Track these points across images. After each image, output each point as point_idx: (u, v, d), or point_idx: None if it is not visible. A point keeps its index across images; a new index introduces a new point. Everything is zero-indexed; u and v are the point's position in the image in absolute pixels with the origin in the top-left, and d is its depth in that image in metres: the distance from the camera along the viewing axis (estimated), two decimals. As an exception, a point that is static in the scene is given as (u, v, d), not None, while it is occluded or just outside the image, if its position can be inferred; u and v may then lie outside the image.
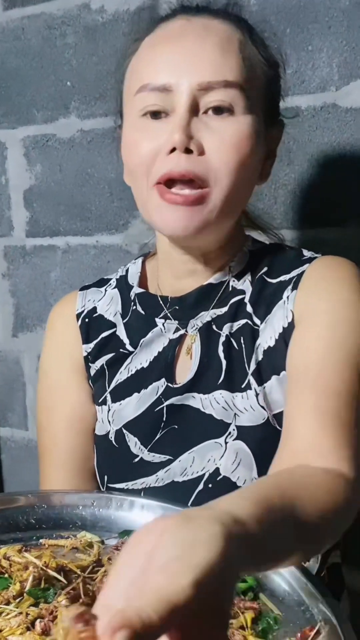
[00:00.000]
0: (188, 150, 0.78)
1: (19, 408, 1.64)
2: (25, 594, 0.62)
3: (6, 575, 0.68)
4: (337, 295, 0.82)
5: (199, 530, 0.42)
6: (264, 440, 0.84)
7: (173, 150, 0.78)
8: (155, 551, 0.40)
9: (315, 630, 0.58)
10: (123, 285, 0.99)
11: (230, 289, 0.90)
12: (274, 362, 0.85)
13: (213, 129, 0.79)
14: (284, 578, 0.66)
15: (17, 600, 0.62)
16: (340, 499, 0.64)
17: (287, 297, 0.86)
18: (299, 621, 0.62)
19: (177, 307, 0.91)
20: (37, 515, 0.79)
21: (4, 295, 1.60)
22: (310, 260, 0.89)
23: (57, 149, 1.47)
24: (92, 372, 0.97)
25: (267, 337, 0.86)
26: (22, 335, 1.60)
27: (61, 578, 0.65)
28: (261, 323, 0.87)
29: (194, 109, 0.79)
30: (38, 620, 0.58)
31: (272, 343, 0.86)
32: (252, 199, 0.92)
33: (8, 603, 0.61)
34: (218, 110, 0.79)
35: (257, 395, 0.85)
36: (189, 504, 0.85)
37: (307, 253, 0.92)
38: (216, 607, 0.40)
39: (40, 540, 0.75)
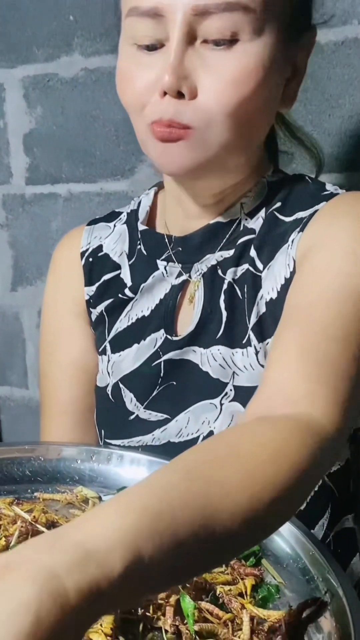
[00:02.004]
0: (180, 94, 0.69)
1: (19, 366, 1.58)
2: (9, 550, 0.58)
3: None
4: (351, 229, 0.71)
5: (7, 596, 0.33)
6: None
7: (165, 93, 0.69)
8: None
9: (319, 602, 0.54)
10: (132, 220, 0.90)
11: (241, 227, 0.80)
12: (277, 315, 0.73)
13: (210, 65, 0.68)
14: (288, 543, 0.62)
15: None
16: (299, 457, 0.52)
17: (292, 241, 0.75)
18: (302, 591, 0.58)
19: (180, 249, 0.83)
20: (33, 468, 0.76)
21: (2, 247, 1.53)
22: (331, 196, 0.78)
23: (59, 90, 1.39)
24: (93, 317, 0.91)
25: (268, 288, 0.77)
26: (21, 290, 1.54)
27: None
28: (263, 269, 0.78)
29: (188, 40, 0.68)
30: None
31: (274, 295, 0.76)
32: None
33: None
34: (219, 42, 0.67)
35: (257, 352, 0.77)
36: None
37: (329, 187, 0.81)
38: None
39: (35, 494, 0.72)
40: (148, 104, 0.71)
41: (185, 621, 0.51)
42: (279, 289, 0.76)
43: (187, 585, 0.54)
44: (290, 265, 0.75)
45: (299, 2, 0.73)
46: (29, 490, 0.73)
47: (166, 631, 0.51)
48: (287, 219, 0.78)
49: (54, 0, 1.35)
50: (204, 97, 0.69)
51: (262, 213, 0.80)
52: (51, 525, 0.62)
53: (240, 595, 0.57)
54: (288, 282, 0.74)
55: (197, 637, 0.51)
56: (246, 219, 0.81)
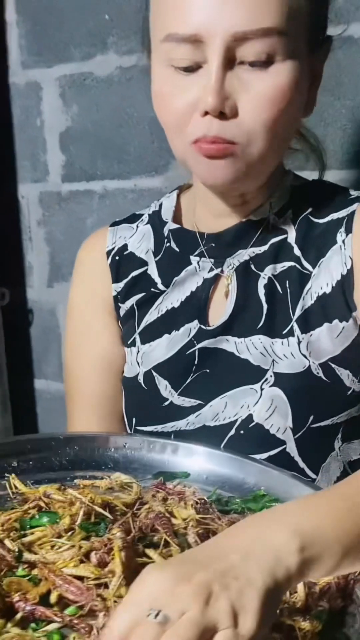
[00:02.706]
0: (222, 114, 0.73)
1: (55, 359, 1.61)
2: (77, 528, 0.61)
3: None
4: None
5: None
6: (302, 389, 0.81)
7: (207, 112, 0.73)
8: None
9: None
10: (156, 220, 0.94)
11: (270, 226, 0.86)
12: (328, 309, 0.81)
13: (248, 86, 0.72)
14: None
15: (69, 534, 0.61)
16: None
17: (343, 242, 0.82)
18: None
19: (213, 245, 0.87)
20: (70, 457, 0.79)
21: (39, 244, 1.56)
22: (358, 199, 0.84)
23: (95, 88, 1.41)
24: (122, 312, 0.93)
25: (322, 283, 0.83)
26: (57, 285, 1.57)
27: (107, 514, 0.64)
28: (313, 267, 0.83)
29: (227, 63, 0.72)
30: (93, 553, 0.56)
31: (328, 290, 0.82)
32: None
33: (59, 537, 0.60)
34: (255, 63, 0.72)
35: (299, 342, 0.82)
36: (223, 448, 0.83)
37: (353, 192, 0.87)
38: None
39: (75, 481, 0.74)
40: (189, 124, 0.75)
41: None
42: (333, 285, 0.82)
43: None
44: (347, 263, 0.81)
45: (318, 18, 0.78)
46: (68, 478, 0.75)
47: None
48: (322, 221, 0.85)
49: (90, 0, 1.37)
50: (244, 115, 0.73)
51: (291, 214, 0.86)
52: (106, 505, 0.65)
53: None
54: (343, 278, 0.81)
55: None
56: (275, 218, 0.86)
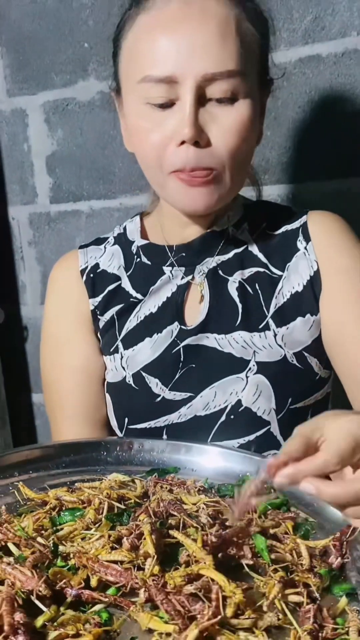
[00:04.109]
0: (196, 143, 0.83)
1: (51, 374, 1.66)
2: (104, 519, 0.67)
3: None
4: (351, 249, 0.95)
5: None
6: (281, 374, 0.92)
7: (183, 142, 0.83)
8: None
9: (351, 529, 0.65)
10: (123, 241, 1.04)
11: (231, 237, 0.98)
12: (301, 305, 0.95)
13: (218, 119, 0.83)
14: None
15: (96, 525, 0.66)
16: None
17: (306, 249, 0.96)
18: (332, 524, 0.69)
19: (183, 254, 0.98)
20: (66, 463, 0.84)
21: (31, 263, 1.62)
22: (302, 212, 0.99)
23: (78, 113, 1.48)
24: (102, 324, 1.01)
25: (293, 283, 0.96)
26: (50, 302, 1.62)
27: (122, 506, 0.70)
28: (282, 271, 0.96)
29: (199, 99, 0.82)
30: (125, 538, 0.61)
31: (299, 288, 0.95)
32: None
33: (87, 529, 0.66)
34: (221, 100, 0.83)
35: (275, 335, 0.94)
36: (211, 435, 0.92)
37: (294, 209, 1.02)
38: None
39: (76, 484, 0.78)
40: (165, 155, 0.85)
41: (259, 555, 0.63)
42: (304, 284, 0.95)
43: (250, 529, 0.64)
44: (313, 266, 0.95)
45: (265, 62, 0.92)
46: (67, 483, 0.79)
47: (247, 565, 0.61)
48: (276, 233, 0.99)
49: (69, 29, 1.44)
50: (217, 144, 0.84)
51: (246, 226, 0.99)
52: (121, 499, 0.71)
53: (286, 533, 0.68)
54: (312, 278, 0.95)
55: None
56: (233, 230, 0.99)
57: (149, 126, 0.85)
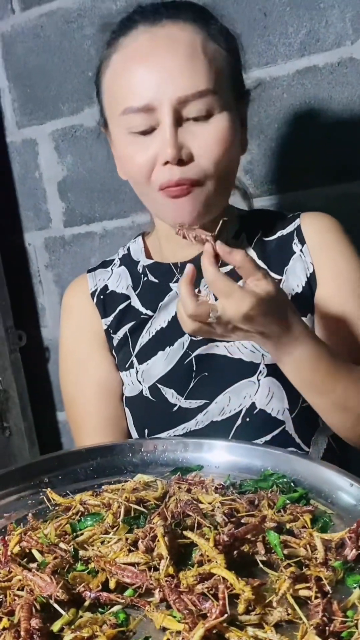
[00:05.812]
0: (180, 161, 0.88)
1: (74, 393, 1.69)
2: (121, 523, 0.69)
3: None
4: (345, 251, 0.99)
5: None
6: None
7: (167, 162, 0.89)
8: None
9: None
10: (128, 261, 1.09)
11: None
12: (301, 305, 0.96)
13: (197, 135, 0.89)
14: (327, 483, 0.76)
15: (114, 529, 0.69)
16: None
17: (301, 251, 1.00)
18: (350, 515, 0.71)
19: None
20: (93, 467, 0.88)
21: (49, 286, 1.66)
22: (295, 216, 1.03)
23: (86, 138, 1.53)
24: (115, 341, 1.05)
25: (293, 285, 1.00)
26: (69, 323, 1.65)
27: (141, 509, 0.72)
28: (281, 275, 1.00)
29: (177, 121, 0.88)
30: (140, 541, 0.64)
31: (299, 290, 0.99)
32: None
33: (106, 533, 0.68)
34: (198, 118, 0.89)
35: None
36: (229, 439, 0.94)
37: (287, 213, 1.05)
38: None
39: (103, 487, 0.81)
40: (152, 176, 0.91)
41: (273, 550, 0.64)
42: (303, 285, 0.99)
43: (264, 526, 0.66)
44: (309, 268, 0.99)
45: (237, 77, 0.97)
46: (95, 486, 0.82)
47: (261, 561, 0.63)
48: (271, 238, 1.03)
49: (73, 60, 1.49)
50: (199, 157, 0.89)
51: (244, 236, 1.03)
52: (140, 501, 0.74)
53: (304, 527, 0.69)
54: (309, 279, 0.99)
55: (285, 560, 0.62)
56: (233, 242, 1.01)
57: (134, 152, 0.91)
